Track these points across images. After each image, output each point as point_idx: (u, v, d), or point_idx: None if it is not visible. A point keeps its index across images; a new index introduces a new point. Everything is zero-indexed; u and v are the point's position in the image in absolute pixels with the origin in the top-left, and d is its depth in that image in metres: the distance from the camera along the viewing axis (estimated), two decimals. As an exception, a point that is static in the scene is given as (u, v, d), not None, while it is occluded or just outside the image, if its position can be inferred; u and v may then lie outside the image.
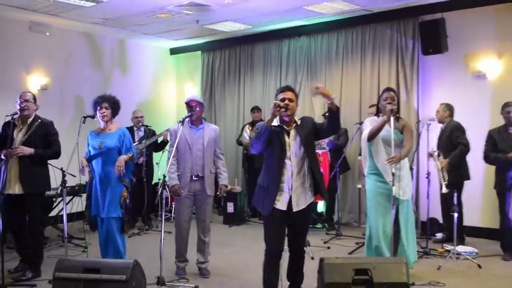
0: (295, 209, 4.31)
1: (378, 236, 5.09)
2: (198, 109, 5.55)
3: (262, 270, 4.44)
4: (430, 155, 6.53)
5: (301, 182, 4.35)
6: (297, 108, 4.48)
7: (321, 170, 7.06)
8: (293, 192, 4.31)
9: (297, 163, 4.33)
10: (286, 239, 4.47)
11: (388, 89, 5.33)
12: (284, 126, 4.39)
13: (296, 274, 4.57)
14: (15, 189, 5.44)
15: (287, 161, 4.32)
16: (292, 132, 4.38)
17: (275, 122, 4.34)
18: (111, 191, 5.11)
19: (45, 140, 5.59)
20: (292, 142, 4.35)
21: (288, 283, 4.61)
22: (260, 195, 4.44)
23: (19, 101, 5.44)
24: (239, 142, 9.13)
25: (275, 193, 4.30)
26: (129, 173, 5.24)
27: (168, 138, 6.19)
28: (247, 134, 8.51)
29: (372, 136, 5.13)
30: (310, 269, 4.95)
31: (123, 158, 5.06)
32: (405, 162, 5.28)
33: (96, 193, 5.15)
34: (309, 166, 4.38)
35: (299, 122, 4.45)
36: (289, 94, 4.36)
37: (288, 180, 4.31)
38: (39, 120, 5.61)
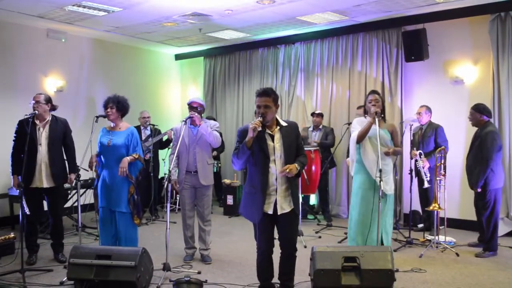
0: (279, 212, 4.05)
1: (368, 226, 5.06)
2: (199, 110, 5.53)
3: (256, 267, 4.30)
4: (414, 155, 6.54)
5: (285, 186, 4.09)
6: (277, 110, 4.11)
7: (313, 167, 7.21)
8: (277, 195, 4.06)
9: (281, 167, 4.03)
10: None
11: (373, 92, 5.29)
12: (267, 131, 4.07)
13: (286, 273, 4.26)
14: (45, 182, 5.48)
15: (271, 165, 4.05)
16: (277, 136, 4.08)
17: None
18: (119, 187, 5.09)
19: (63, 137, 5.64)
20: (277, 145, 4.06)
21: (279, 281, 4.33)
22: (247, 202, 4.17)
23: (32, 103, 5.44)
24: None
25: (263, 199, 4.03)
26: (136, 170, 5.20)
27: (172, 136, 6.16)
28: None
29: (360, 139, 5.10)
30: (303, 256, 4.95)
31: (126, 160, 5.03)
32: (390, 161, 5.27)
33: (105, 186, 5.12)
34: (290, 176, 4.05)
35: (284, 124, 4.13)
36: (264, 101, 3.99)
37: (273, 183, 4.06)
38: (56, 119, 5.62)
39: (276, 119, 4.13)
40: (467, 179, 5.99)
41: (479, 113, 5.92)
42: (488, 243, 5.88)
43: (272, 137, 4.07)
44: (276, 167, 4.05)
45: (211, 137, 5.44)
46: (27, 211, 5.03)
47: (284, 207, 4.08)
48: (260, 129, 3.95)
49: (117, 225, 5.14)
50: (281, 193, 4.08)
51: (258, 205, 4.03)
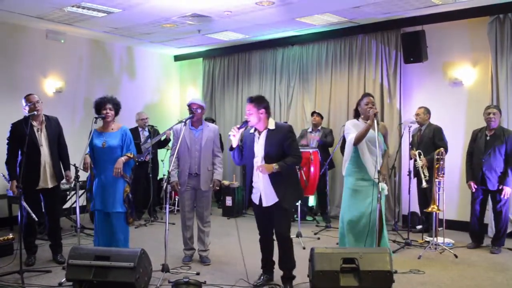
0: (264, 205, 4.56)
1: (357, 229, 5.05)
2: (199, 111, 5.53)
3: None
4: (413, 156, 6.56)
5: (268, 182, 4.51)
6: (264, 115, 4.52)
7: (312, 168, 7.21)
8: (262, 190, 4.57)
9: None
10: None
11: (368, 94, 5.24)
12: (256, 133, 4.62)
13: (282, 262, 4.65)
14: (49, 183, 5.50)
15: (255, 163, 4.58)
16: (261, 138, 4.56)
17: (252, 129, 4.65)
18: (114, 187, 5.08)
19: (58, 136, 5.65)
20: (260, 147, 4.54)
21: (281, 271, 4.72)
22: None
23: (29, 104, 5.37)
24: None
25: (251, 190, 4.71)
26: (130, 169, 5.21)
27: (171, 137, 6.17)
28: None
29: (358, 141, 5.06)
30: (301, 258, 4.96)
31: (121, 160, 5.04)
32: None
33: (100, 188, 5.11)
34: (270, 175, 4.47)
35: (272, 127, 4.56)
36: (249, 107, 4.52)
37: (257, 179, 4.58)
38: (48, 119, 5.62)
39: (267, 123, 4.59)
40: (485, 178, 6.05)
41: (500, 114, 6.19)
42: (501, 238, 6.14)
43: (258, 139, 4.59)
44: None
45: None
46: (34, 217, 5.10)
47: (268, 201, 4.55)
48: (237, 133, 4.50)
49: (113, 225, 5.13)
50: (265, 188, 4.54)
51: (248, 194, 4.74)
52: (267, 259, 4.84)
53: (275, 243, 4.74)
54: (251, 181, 4.68)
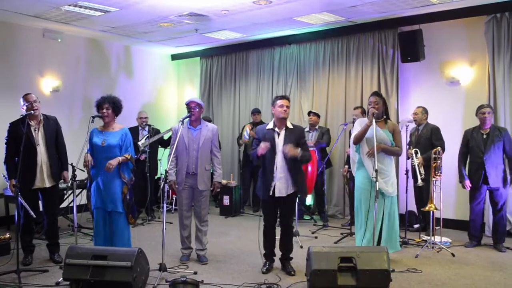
0: (277, 195, 4.97)
1: (368, 228, 5.06)
2: (197, 110, 5.52)
3: (263, 237, 5.21)
4: (410, 155, 6.56)
5: (284, 175, 4.97)
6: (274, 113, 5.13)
7: (309, 167, 7.22)
8: (276, 181, 4.97)
9: (282, 159, 4.97)
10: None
11: (374, 94, 5.26)
12: (276, 128, 5.05)
13: (285, 245, 5.21)
14: (46, 182, 5.49)
15: (276, 156, 4.98)
16: (282, 134, 5.02)
17: (271, 125, 5.09)
18: (112, 187, 5.07)
19: (56, 135, 5.63)
20: (281, 142, 4.97)
21: (281, 253, 5.27)
22: (260, 184, 5.15)
23: (27, 104, 5.35)
24: (239, 143, 9.05)
25: (270, 182, 4.99)
26: (129, 171, 5.20)
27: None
28: (247, 133, 8.56)
29: (358, 140, 5.11)
30: (299, 257, 4.96)
31: (118, 158, 5.03)
32: (391, 161, 5.26)
33: (99, 187, 5.10)
34: (290, 166, 4.97)
35: (290, 126, 5.07)
36: (286, 102, 5.06)
37: (275, 171, 4.98)
38: (47, 118, 5.59)
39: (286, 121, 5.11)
40: (487, 176, 6.07)
41: (493, 112, 6.33)
42: (503, 236, 6.20)
43: (278, 134, 5.03)
44: (278, 159, 4.97)
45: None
46: (32, 214, 5.08)
47: (282, 192, 4.98)
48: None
49: (113, 225, 5.12)
50: (280, 180, 4.96)
51: (266, 186, 5.03)
52: (272, 248, 5.23)
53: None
54: (272, 173, 4.98)
